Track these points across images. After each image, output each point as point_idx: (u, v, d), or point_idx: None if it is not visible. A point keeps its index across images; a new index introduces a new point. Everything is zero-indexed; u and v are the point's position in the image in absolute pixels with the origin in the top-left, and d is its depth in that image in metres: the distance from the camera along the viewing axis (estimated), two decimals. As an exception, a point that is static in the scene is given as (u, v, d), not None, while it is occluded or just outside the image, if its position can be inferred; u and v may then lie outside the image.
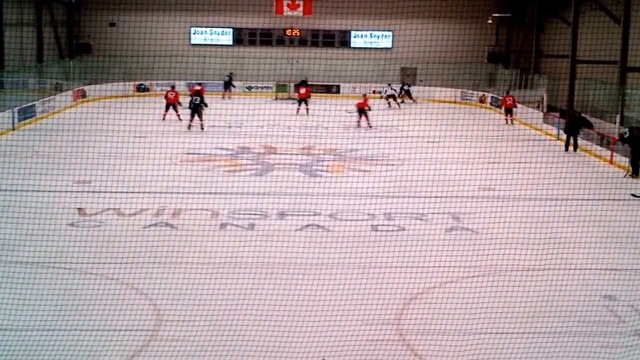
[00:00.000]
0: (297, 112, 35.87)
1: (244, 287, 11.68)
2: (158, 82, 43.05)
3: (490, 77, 43.12)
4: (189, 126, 29.58)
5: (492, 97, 41.74)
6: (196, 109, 29.60)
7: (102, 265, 13.16)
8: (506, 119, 35.55)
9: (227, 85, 43.18)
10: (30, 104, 32.56)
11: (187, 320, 10.99)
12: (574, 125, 27.71)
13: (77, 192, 18.09)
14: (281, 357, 8.52)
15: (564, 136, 27.96)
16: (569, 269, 13.40)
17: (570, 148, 27.16)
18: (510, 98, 36.01)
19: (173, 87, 33.02)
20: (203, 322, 10.76)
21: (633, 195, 19.91)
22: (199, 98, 30.08)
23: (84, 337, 10.13)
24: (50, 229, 14.33)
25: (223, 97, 41.92)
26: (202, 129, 29.64)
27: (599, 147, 26.37)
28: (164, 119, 30.60)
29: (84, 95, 39.34)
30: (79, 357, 9.49)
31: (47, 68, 39.11)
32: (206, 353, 9.73)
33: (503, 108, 36.32)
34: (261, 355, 9.33)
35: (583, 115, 29.35)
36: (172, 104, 31.58)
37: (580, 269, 13.34)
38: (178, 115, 31.18)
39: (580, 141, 27.53)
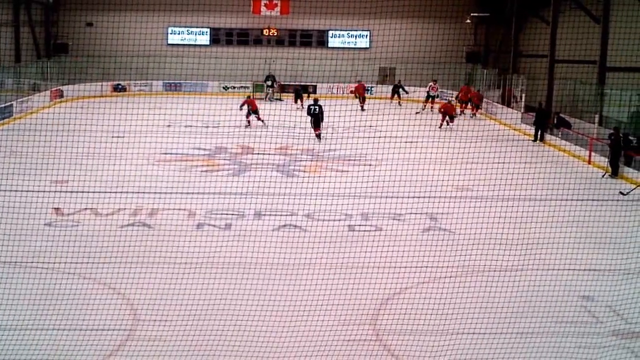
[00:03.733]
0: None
1: (220, 287, 11.62)
2: (135, 82, 42.86)
3: (468, 77, 43.22)
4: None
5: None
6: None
7: (79, 265, 13.07)
8: (462, 110, 36.74)
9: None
10: (7, 104, 32.32)
11: (164, 320, 10.94)
12: (540, 118, 30.09)
13: (54, 192, 17.95)
14: (258, 357, 8.50)
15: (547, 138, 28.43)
16: (547, 270, 13.48)
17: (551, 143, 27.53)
18: (471, 91, 37.45)
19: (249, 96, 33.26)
20: (179, 322, 10.74)
21: (621, 193, 20.08)
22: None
23: (61, 337, 10.05)
24: (27, 229, 14.23)
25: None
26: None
27: (577, 147, 26.52)
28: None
29: (61, 96, 39.05)
30: (56, 357, 9.45)
31: (25, 68, 38.79)
32: (183, 352, 9.71)
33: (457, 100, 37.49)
34: (238, 355, 9.30)
35: (562, 115, 29.73)
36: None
37: (558, 270, 13.41)
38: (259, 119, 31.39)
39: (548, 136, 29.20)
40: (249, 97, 32.72)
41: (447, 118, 31.65)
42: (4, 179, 17.80)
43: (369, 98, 40.36)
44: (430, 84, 38.30)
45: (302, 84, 42.10)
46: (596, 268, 13.52)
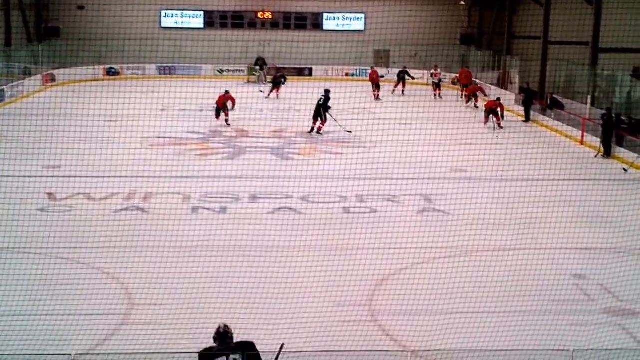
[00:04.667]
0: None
1: (215, 270, 11.66)
2: (128, 65, 42.68)
3: (462, 59, 43.13)
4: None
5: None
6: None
7: (73, 250, 13.08)
8: (462, 94, 35.90)
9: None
10: (-1, 88, 32.21)
11: (159, 304, 10.98)
12: (528, 98, 30.44)
13: (47, 177, 17.92)
14: (253, 340, 8.49)
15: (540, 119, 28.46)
16: (540, 249, 13.56)
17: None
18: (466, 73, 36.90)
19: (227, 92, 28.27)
20: (175, 306, 10.77)
21: (624, 169, 20.45)
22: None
23: (56, 322, 10.07)
24: (20, 214, 14.20)
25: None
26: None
27: (570, 128, 26.57)
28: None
29: (53, 80, 38.89)
30: (51, 342, 9.42)
31: (16, 52, 38.60)
32: (178, 336, 9.71)
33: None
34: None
35: (555, 96, 29.76)
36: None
37: (551, 249, 13.47)
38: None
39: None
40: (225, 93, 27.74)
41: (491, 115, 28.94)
42: (-3, 164, 17.77)
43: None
44: (432, 70, 37.22)
45: (298, 66, 42.02)
46: (588, 247, 13.56)
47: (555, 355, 7.77)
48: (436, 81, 36.94)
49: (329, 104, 26.01)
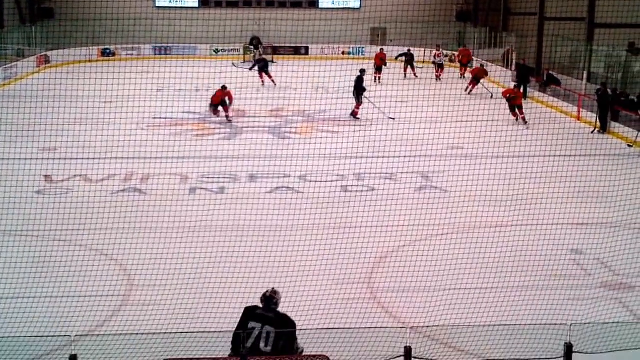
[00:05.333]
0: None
1: (214, 251, 11.68)
2: (124, 46, 42.51)
3: (459, 36, 43.05)
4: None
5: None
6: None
7: (72, 232, 13.06)
8: (461, 74, 35.45)
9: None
10: (-8, 71, 32.14)
11: (159, 285, 10.98)
12: (523, 74, 29.89)
13: (44, 159, 17.89)
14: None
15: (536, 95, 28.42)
16: (537, 225, 13.58)
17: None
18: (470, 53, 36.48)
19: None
20: (174, 286, 10.78)
21: (628, 145, 20.73)
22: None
23: (56, 304, 10.09)
24: (17, 197, 14.20)
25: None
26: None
27: (565, 104, 26.57)
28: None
29: (47, 61, 38.77)
30: (51, 324, 9.45)
31: (9, 34, 38.42)
32: (178, 316, 9.75)
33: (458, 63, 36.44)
34: (233, 317, 9.33)
35: (551, 72, 29.70)
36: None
37: (548, 225, 13.51)
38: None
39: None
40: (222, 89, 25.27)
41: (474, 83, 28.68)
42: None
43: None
44: (434, 51, 36.11)
45: (294, 45, 41.87)
46: (586, 222, 13.60)
47: (553, 329, 7.81)
48: (438, 61, 35.80)
49: (364, 85, 25.40)
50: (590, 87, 26.53)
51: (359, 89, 25.32)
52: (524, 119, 24.21)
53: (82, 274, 11.20)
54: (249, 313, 7.72)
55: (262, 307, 7.74)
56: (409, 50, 36.69)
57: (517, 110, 24.52)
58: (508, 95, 25.45)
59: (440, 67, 35.82)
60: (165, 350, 7.82)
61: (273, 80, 32.44)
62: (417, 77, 34.87)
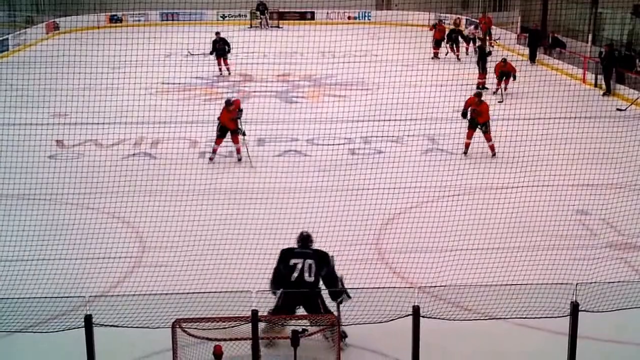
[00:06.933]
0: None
1: (225, 213, 11.86)
2: (131, 12, 42.39)
3: (463, 0, 42.73)
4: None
5: (466, 19, 41.40)
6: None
7: (85, 196, 13.24)
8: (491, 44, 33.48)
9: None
10: (2, 37, 32.13)
11: (170, 247, 11.20)
12: (534, 39, 29.72)
13: (55, 124, 18.05)
14: (263, 281, 8.74)
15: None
16: (544, 186, 13.68)
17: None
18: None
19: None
20: (186, 248, 10.96)
21: (618, 109, 20.48)
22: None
23: (69, 266, 10.30)
24: (30, 162, 14.35)
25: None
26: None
27: (571, 66, 26.52)
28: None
29: (56, 28, 38.74)
30: (65, 285, 9.66)
31: (18, 1, 38.39)
32: (190, 277, 9.92)
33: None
34: (244, 279, 9.53)
35: (557, 35, 29.60)
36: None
37: (554, 186, 13.60)
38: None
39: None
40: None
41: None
42: (4, 113, 17.88)
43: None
44: (471, 28, 33.24)
45: (300, 10, 41.64)
46: (591, 183, 13.68)
47: (559, 288, 7.95)
48: (471, 36, 32.19)
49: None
50: (595, 50, 26.47)
51: (483, 59, 24.80)
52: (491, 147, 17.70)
53: (95, 237, 11.42)
54: (288, 252, 8.62)
55: (300, 246, 8.68)
56: (457, 19, 34.22)
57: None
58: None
59: (471, 41, 31.90)
60: (178, 310, 8.02)
61: (228, 69, 27.84)
62: (459, 59, 30.11)
